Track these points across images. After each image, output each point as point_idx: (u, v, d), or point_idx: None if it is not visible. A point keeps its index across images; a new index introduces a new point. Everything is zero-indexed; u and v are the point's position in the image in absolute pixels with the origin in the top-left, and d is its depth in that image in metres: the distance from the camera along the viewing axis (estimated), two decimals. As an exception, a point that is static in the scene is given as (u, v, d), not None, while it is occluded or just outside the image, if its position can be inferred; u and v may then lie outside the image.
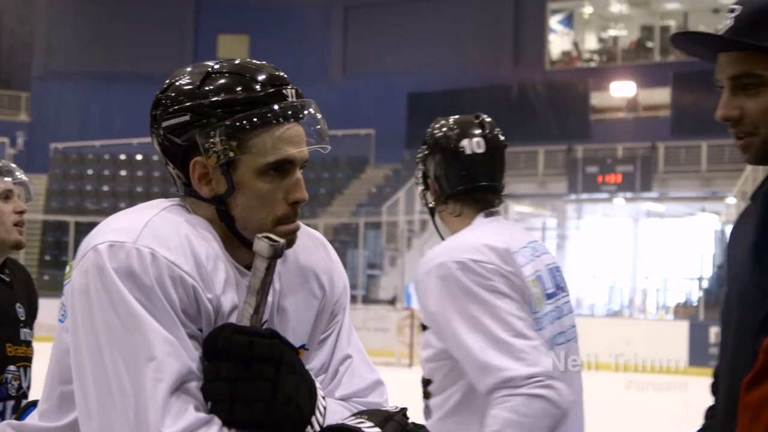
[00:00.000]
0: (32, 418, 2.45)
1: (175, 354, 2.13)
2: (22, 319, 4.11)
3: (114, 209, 33.61)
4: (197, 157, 2.29)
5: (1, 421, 3.62)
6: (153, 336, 2.11)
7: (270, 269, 2.28)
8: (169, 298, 2.16)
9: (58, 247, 30.94)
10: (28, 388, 4.01)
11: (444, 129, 3.91)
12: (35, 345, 4.20)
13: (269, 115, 2.28)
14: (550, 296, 3.93)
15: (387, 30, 37.79)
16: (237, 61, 2.39)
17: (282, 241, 2.27)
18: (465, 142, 3.84)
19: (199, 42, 39.26)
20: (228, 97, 2.29)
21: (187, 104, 2.30)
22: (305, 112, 2.36)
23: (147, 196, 33.79)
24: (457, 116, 3.99)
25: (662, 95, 33.94)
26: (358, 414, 2.33)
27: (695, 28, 33.65)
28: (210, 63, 2.39)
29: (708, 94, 28.31)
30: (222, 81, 2.32)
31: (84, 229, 31.26)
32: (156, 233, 2.20)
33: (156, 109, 2.35)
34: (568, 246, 34.85)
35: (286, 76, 2.39)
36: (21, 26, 38.12)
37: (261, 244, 2.27)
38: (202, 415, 2.13)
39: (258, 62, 2.41)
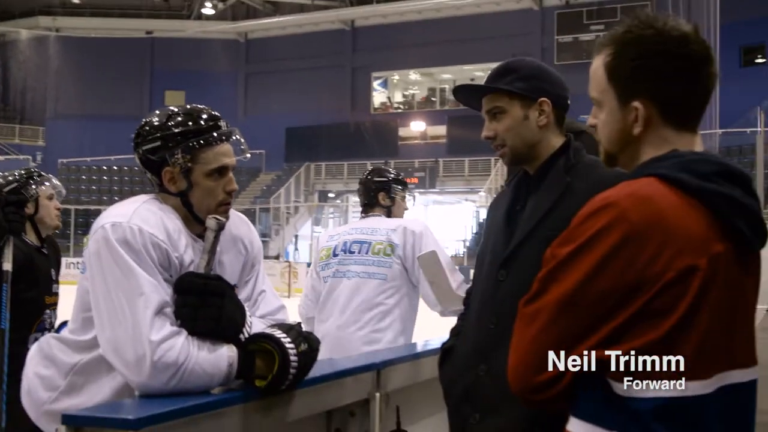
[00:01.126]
0: (65, 333, 2.39)
1: (156, 291, 2.09)
2: (54, 279, 3.98)
3: (100, 202, 34.37)
4: (167, 168, 2.26)
5: None
6: (142, 280, 2.08)
7: (216, 237, 2.24)
8: (151, 256, 2.13)
9: (65, 225, 28.75)
10: (56, 320, 3.88)
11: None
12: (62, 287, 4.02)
13: (211, 139, 2.25)
14: (335, 256, 4.23)
15: (273, 88, 37.96)
16: (188, 106, 2.34)
17: (224, 219, 2.26)
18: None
19: (153, 95, 39.01)
20: (184, 129, 2.25)
21: (158, 134, 2.27)
22: (233, 137, 2.31)
23: (121, 194, 34.44)
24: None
25: (441, 130, 34.73)
26: (271, 326, 2.24)
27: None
28: (171, 107, 2.35)
29: (470, 130, 31.13)
30: (180, 118, 2.28)
31: (79, 213, 32.69)
32: (141, 216, 2.18)
33: (137, 138, 2.32)
34: (385, 222, 34.88)
35: (218, 114, 2.33)
36: (38, 83, 38.53)
37: (211, 221, 2.24)
38: (175, 328, 2.07)
39: (201, 106, 2.35)
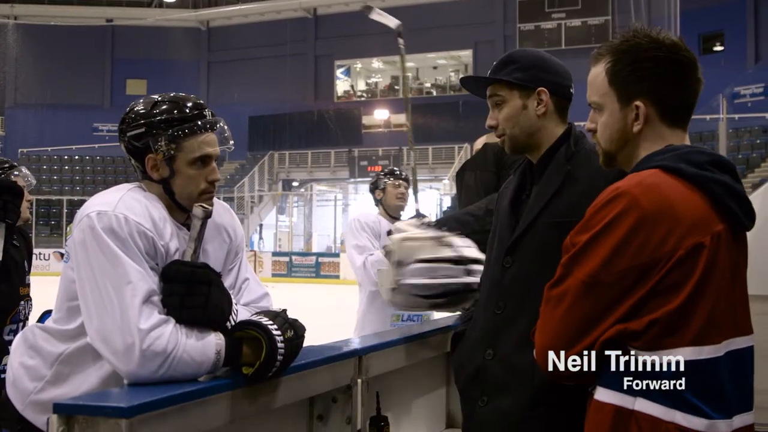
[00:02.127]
0: (49, 323, 2.35)
1: (143, 279, 2.08)
2: (26, 270, 3.97)
3: (62, 192, 34.06)
4: (150, 155, 2.27)
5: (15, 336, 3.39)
6: (129, 269, 2.07)
7: (203, 225, 2.26)
8: (137, 245, 2.12)
9: (25, 214, 29.45)
10: (30, 311, 3.89)
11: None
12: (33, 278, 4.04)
13: (195, 127, 2.25)
14: None
15: (235, 77, 38.15)
16: (173, 94, 2.33)
17: (210, 207, 2.27)
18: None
19: (114, 84, 38.86)
20: (169, 117, 2.25)
21: (142, 121, 2.26)
22: (217, 126, 2.31)
23: (83, 183, 34.91)
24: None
25: (404, 118, 30.51)
26: (257, 313, 2.25)
27: (422, 80, 36.50)
28: (156, 96, 2.34)
29: (433, 118, 31.81)
30: (165, 106, 2.28)
31: (40, 204, 32.18)
32: (127, 204, 2.17)
33: (122, 125, 2.32)
34: (350, 210, 34.78)
35: (203, 102, 2.34)
36: None
37: (197, 210, 2.25)
38: (163, 316, 2.07)
39: (186, 94, 2.35)
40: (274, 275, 28.16)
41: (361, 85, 39.97)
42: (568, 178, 2.33)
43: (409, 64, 36.91)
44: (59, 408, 1.77)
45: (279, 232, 35.37)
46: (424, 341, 3.12)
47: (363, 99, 38.45)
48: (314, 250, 33.61)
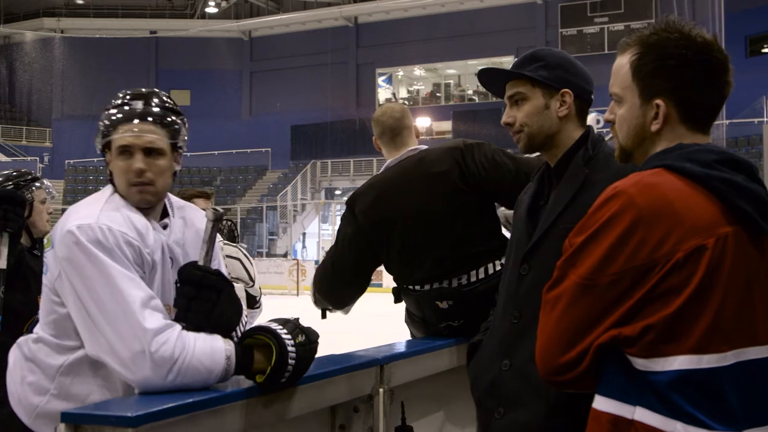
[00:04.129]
0: (44, 334, 2.29)
1: (138, 286, 2.06)
2: None
3: None
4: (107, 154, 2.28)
5: None
6: (121, 277, 2.05)
7: (214, 227, 2.21)
8: (124, 253, 2.11)
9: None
10: None
11: None
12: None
13: (114, 119, 2.23)
14: None
15: (277, 87, 38.50)
16: (133, 90, 2.31)
17: (221, 209, 2.23)
18: None
19: None
20: (104, 113, 2.26)
21: (99, 123, 2.28)
22: (142, 114, 2.23)
23: None
24: None
25: (447, 125, 34.67)
26: (268, 321, 2.17)
27: (464, 87, 36.45)
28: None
29: (475, 124, 31.70)
30: (110, 107, 2.27)
31: None
32: (108, 216, 2.15)
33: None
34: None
35: (146, 92, 2.28)
36: (44, 85, 38.90)
37: (209, 212, 2.21)
38: (168, 321, 2.04)
39: (146, 89, 2.31)
40: (316, 284, 27.97)
41: (402, 93, 40.11)
42: (586, 182, 2.27)
43: (450, 71, 38.18)
44: (67, 417, 1.75)
45: (322, 241, 35.45)
46: (450, 350, 3.05)
47: (405, 107, 38.01)
48: (357, 258, 33.32)
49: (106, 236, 2.11)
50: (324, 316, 3.37)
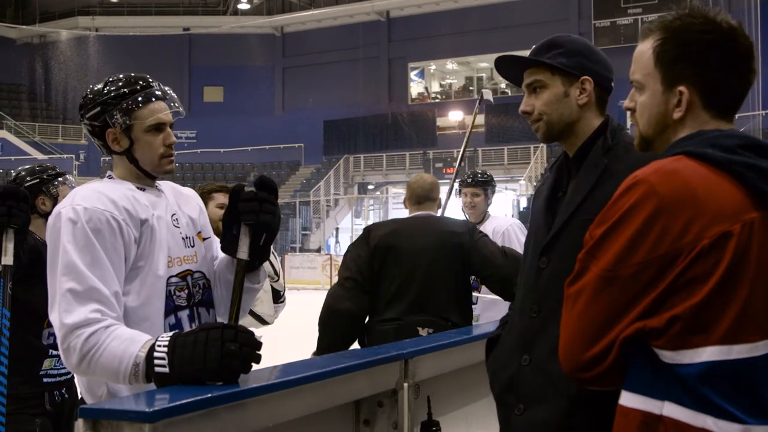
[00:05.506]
0: None
1: (93, 266, 2.17)
2: None
3: None
4: (109, 129, 2.40)
5: None
6: (80, 259, 2.17)
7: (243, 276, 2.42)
8: (98, 231, 2.22)
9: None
10: None
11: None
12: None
13: (144, 97, 2.40)
14: None
15: (310, 82, 38.45)
16: (122, 75, 2.46)
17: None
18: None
19: (192, 91, 38.98)
20: (120, 92, 2.40)
21: (98, 100, 2.40)
22: (167, 95, 2.45)
23: None
24: None
25: (479, 119, 32.54)
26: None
27: (496, 81, 35.86)
28: (107, 77, 2.47)
29: (506, 118, 31.67)
30: (113, 86, 2.43)
31: None
32: (82, 196, 2.27)
33: (81, 111, 2.46)
34: (426, 212, 34.66)
35: (137, 75, 2.46)
36: (79, 83, 36.79)
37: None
38: (95, 315, 2.13)
39: (136, 74, 2.47)
40: (349, 278, 27.89)
41: (435, 87, 39.88)
42: (605, 172, 2.21)
43: (483, 65, 38.01)
44: (84, 413, 1.75)
45: (355, 236, 35.17)
46: (477, 344, 2.99)
47: (437, 101, 38.23)
48: (390, 253, 33.22)
49: (79, 215, 2.24)
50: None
